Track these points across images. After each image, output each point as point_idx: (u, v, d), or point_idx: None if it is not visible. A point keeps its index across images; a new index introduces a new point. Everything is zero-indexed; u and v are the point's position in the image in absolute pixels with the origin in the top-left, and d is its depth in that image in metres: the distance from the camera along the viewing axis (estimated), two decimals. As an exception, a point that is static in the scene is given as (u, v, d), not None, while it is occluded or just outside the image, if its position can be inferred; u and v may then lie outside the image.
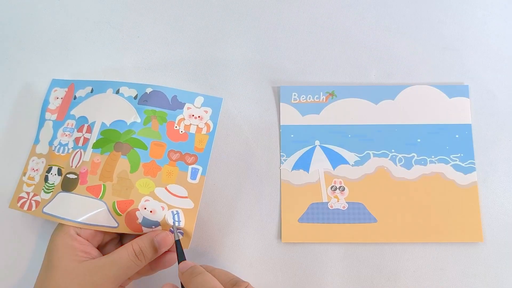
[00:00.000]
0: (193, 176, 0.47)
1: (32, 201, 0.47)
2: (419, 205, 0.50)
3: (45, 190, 0.47)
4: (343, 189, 0.51)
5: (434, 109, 0.53)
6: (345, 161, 0.52)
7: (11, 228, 0.50)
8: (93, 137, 0.47)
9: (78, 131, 0.48)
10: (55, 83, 0.53)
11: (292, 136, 0.52)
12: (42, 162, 0.49)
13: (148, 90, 0.48)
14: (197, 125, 0.48)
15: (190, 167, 0.47)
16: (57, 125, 0.50)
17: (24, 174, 0.50)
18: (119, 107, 0.48)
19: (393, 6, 0.58)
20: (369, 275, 0.49)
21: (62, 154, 0.48)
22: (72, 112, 0.50)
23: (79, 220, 0.43)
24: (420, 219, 0.50)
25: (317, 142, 0.52)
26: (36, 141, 0.51)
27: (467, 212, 0.50)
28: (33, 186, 0.48)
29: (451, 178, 0.51)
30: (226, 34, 0.57)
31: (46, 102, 0.52)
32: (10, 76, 0.56)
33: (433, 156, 0.52)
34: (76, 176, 0.45)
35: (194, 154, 0.48)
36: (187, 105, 0.48)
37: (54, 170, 0.48)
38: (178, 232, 0.44)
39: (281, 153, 0.52)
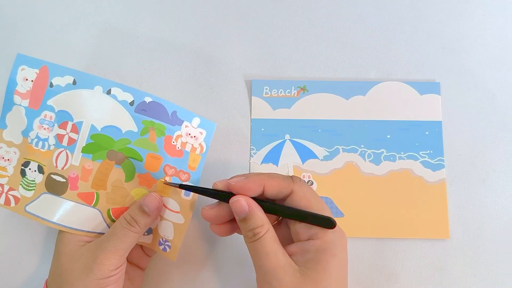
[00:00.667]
0: (187, 193, 0.45)
1: (9, 195, 0.46)
2: (387, 200, 0.50)
3: (25, 186, 0.46)
4: (312, 183, 0.51)
5: (405, 106, 0.53)
6: (314, 156, 0.52)
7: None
8: (82, 140, 0.45)
9: (60, 127, 0.46)
10: (22, 59, 0.47)
11: (262, 129, 0.53)
12: (15, 152, 0.47)
13: (147, 99, 0.46)
14: (192, 145, 0.47)
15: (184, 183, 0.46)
16: (31, 114, 0.46)
17: None
18: (112, 111, 0.46)
19: (392, 6, 0.58)
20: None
21: (42, 150, 0.46)
22: (49, 102, 0.47)
23: (72, 226, 0.44)
24: (388, 215, 0.50)
25: (287, 136, 0.53)
26: (3, 125, 0.47)
27: (435, 208, 0.49)
28: (7, 178, 0.46)
29: (419, 174, 0.50)
30: (227, 34, 0.57)
31: (12, 82, 0.46)
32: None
33: (402, 152, 0.51)
34: (65, 180, 0.45)
35: (188, 172, 0.47)
36: (185, 123, 0.46)
37: (33, 165, 0.46)
38: (166, 244, 0.45)
39: (251, 146, 0.53)
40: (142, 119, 0.45)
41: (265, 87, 0.54)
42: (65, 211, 0.44)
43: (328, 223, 0.38)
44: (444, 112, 0.53)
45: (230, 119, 0.54)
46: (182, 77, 0.56)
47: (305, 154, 0.52)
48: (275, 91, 0.54)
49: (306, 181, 0.51)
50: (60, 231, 0.44)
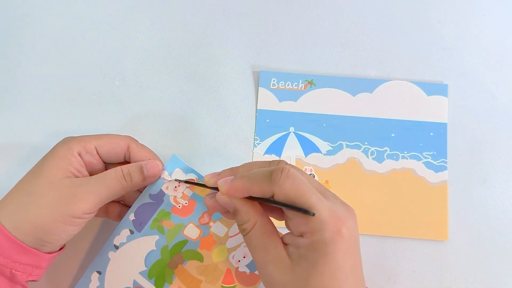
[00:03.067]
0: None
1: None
2: (387, 199, 0.50)
3: None
4: (313, 177, 0.51)
5: (411, 106, 0.53)
6: (317, 150, 0.52)
7: None
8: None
9: None
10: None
11: (267, 121, 0.53)
12: None
13: (131, 217, 0.45)
14: (183, 192, 0.46)
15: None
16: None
17: None
18: None
19: (392, 6, 0.58)
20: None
21: None
22: None
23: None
24: (387, 213, 0.50)
25: (291, 129, 0.53)
26: None
27: (435, 210, 0.49)
28: None
29: (421, 175, 0.51)
30: (226, 34, 0.57)
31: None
32: (10, 77, 0.56)
33: (405, 152, 0.51)
34: None
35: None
36: (165, 195, 0.45)
37: None
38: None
39: (255, 137, 0.53)
40: (154, 228, 0.45)
41: (272, 79, 0.54)
42: None
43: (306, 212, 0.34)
44: (448, 113, 0.53)
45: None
46: (183, 73, 0.56)
47: (309, 147, 0.52)
48: (282, 83, 0.54)
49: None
50: (50, 152, 0.42)
